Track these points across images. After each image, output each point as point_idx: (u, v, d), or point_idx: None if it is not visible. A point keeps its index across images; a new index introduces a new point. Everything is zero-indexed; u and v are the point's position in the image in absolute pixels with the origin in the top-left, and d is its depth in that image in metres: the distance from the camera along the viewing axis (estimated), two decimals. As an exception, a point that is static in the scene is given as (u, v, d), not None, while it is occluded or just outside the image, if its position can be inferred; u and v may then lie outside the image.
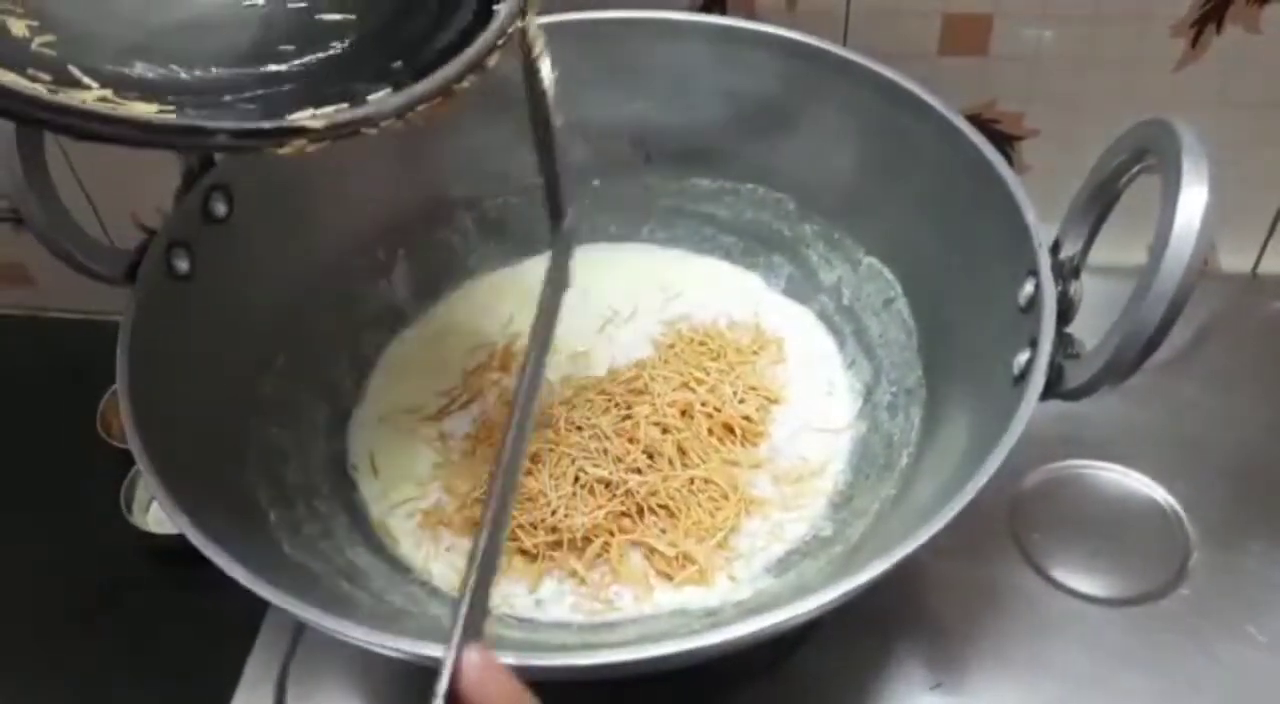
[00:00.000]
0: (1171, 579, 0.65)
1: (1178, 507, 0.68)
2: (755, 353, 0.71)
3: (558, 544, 0.61)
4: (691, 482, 0.63)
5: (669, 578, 0.60)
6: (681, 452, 0.64)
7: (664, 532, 0.62)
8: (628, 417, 0.66)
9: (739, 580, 0.60)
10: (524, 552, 0.62)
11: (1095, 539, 0.67)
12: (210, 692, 0.67)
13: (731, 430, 0.67)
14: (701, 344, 0.71)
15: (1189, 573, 0.66)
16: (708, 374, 0.69)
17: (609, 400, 0.67)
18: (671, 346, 0.71)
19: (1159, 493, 0.69)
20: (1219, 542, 0.67)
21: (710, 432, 0.66)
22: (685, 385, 0.68)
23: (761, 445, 0.67)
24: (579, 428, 0.66)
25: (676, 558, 0.61)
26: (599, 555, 0.61)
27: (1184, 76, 0.72)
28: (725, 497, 0.63)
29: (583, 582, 0.61)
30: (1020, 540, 0.67)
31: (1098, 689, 0.61)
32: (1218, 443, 0.71)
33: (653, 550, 0.61)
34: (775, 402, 0.69)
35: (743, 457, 0.66)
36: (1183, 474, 0.70)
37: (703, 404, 0.67)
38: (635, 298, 0.76)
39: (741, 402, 0.68)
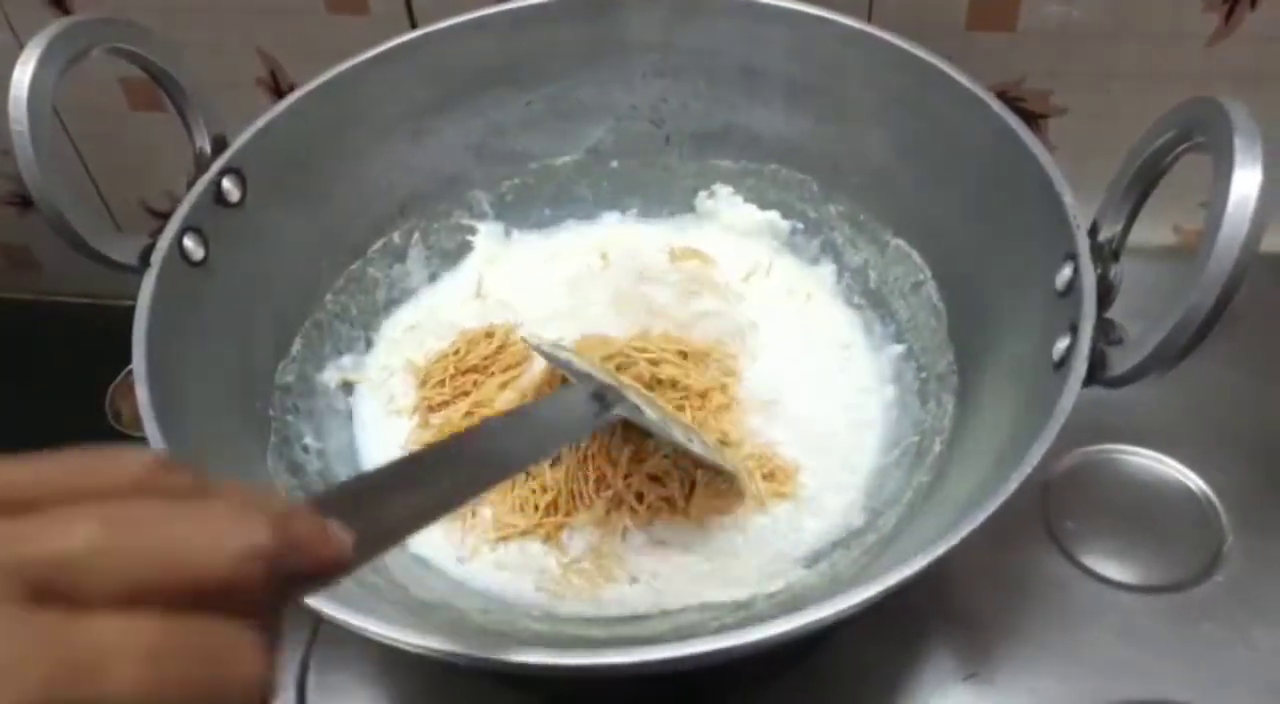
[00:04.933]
0: (1206, 566, 0.64)
1: (1210, 492, 0.67)
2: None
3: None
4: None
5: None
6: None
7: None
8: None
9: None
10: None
11: (1128, 525, 0.66)
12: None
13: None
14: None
15: (1223, 559, 0.64)
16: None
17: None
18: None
19: (1192, 478, 0.68)
20: (1253, 527, 0.65)
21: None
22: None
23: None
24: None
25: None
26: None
27: (1217, 52, 0.71)
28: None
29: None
30: (1052, 527, 0.66)
31: (1133, 677, 0.60)
32: (1251, 427, 0.70)
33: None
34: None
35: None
36: (1216, 459, 0.68)
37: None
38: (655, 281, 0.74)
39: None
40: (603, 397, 0.53)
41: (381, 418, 0.68)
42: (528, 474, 0.63)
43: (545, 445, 0.50)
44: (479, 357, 0.68)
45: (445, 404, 0.67)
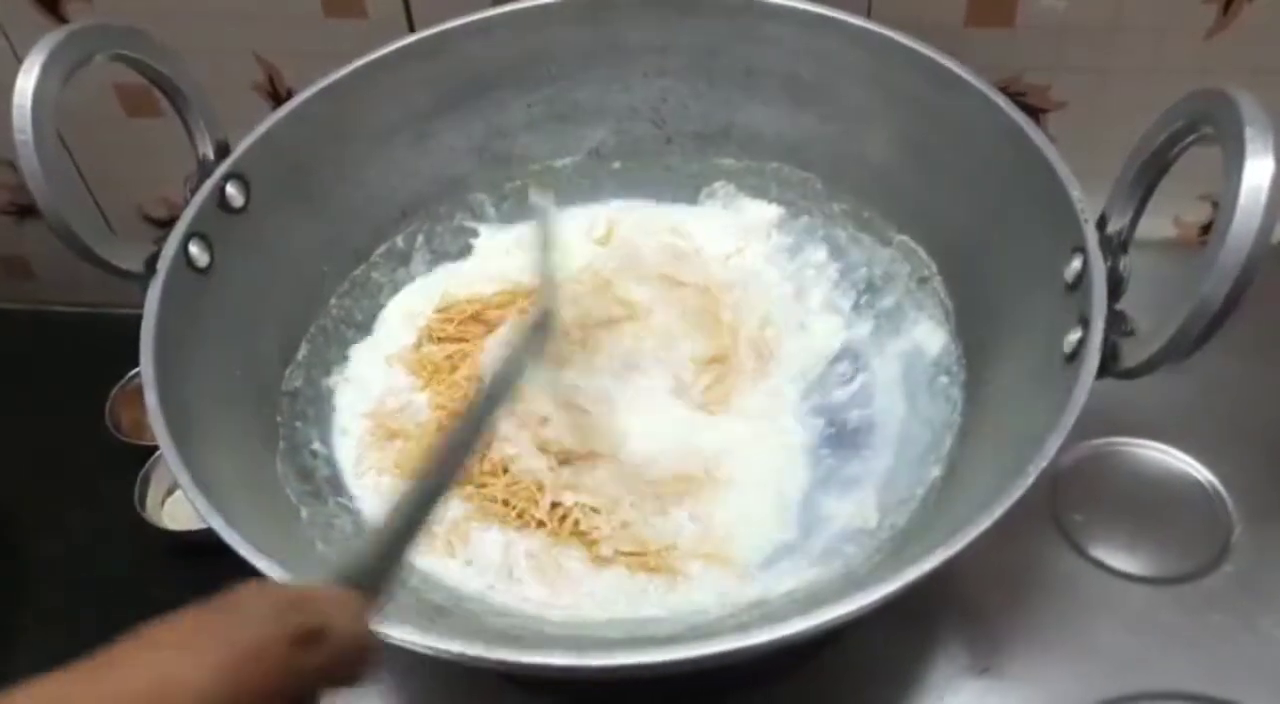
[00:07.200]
0: (1215, 556, 0.65)
1: (1218, 483, 0.67)
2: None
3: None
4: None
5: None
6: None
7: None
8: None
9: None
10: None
11: (1136, 518, 0.67)
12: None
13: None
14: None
15: (1232, 549, 0.65)
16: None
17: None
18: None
19: (1199, 469, 0.68)
20: (1261, 517, 0.66)
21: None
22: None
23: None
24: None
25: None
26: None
27: (1215, 44, 0.71)
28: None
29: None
30: (1060, 520, 0.66)
31: (1143, 669, 0.61)
32: (1258, 418, 0.70)
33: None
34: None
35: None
36: (1223, 450, 0.69)
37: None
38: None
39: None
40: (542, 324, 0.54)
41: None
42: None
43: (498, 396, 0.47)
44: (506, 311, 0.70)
45: (444, 339, 0.69)
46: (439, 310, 0.70)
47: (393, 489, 0.62)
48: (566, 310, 0.66)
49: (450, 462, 0.41)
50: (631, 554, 0.59)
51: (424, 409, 0.66)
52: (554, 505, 0.61)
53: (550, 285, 0.60)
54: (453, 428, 0.43)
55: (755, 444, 0.64)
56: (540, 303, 0.57)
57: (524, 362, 0.51)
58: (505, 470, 0.62)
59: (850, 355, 0.68)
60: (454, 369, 0.67)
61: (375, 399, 0.67)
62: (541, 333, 0.55)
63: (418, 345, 0.69)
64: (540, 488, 0.62)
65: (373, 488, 0.63)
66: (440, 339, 0.69)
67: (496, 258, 0.74)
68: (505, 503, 0.61)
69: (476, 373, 0.67)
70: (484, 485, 0.62)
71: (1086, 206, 0.53)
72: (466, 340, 0.69)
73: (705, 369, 0.66)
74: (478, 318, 0.70)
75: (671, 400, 0.65)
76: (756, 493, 0.62)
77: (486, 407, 0.45)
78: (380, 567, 0.34)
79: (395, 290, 0.72)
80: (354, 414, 0.66)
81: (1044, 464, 0.45)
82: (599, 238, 0.74)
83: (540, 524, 0.61)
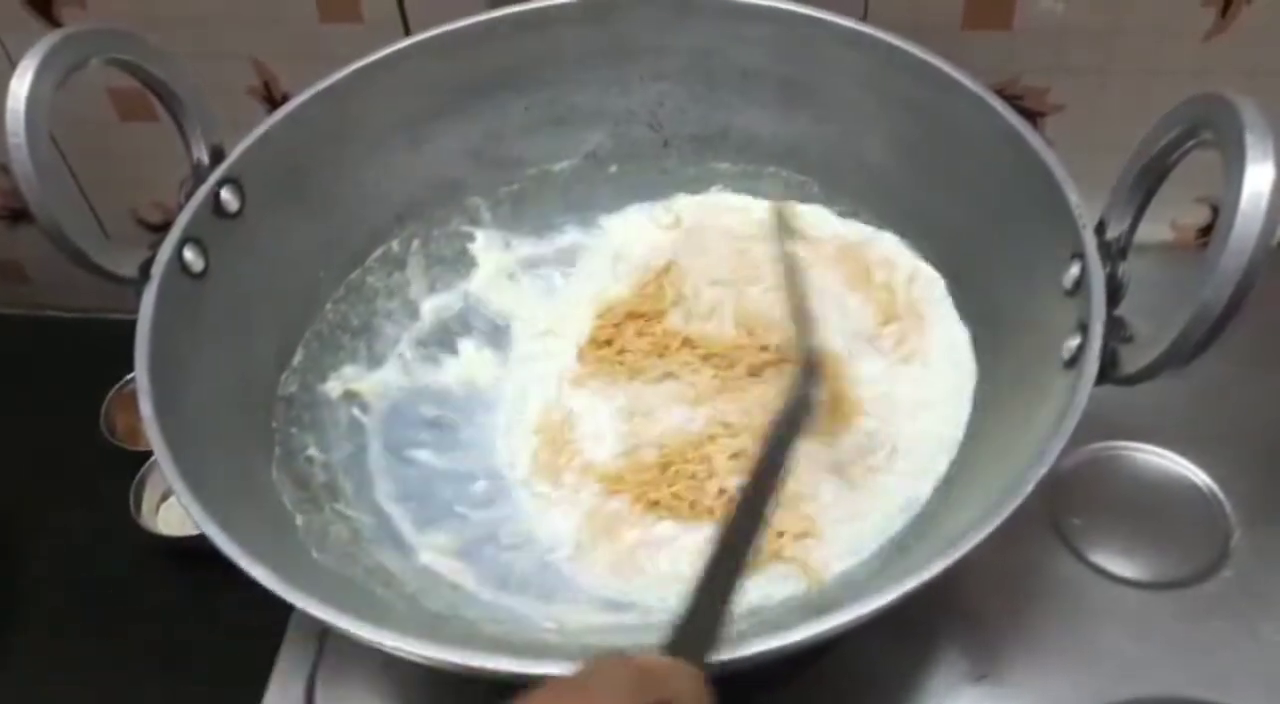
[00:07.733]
0: (1214, 561, 0.64)
1: (1216, 487, 0.67)
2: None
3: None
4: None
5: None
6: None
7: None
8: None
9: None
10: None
11: (1135, 522, 0.66)
12: (230, 693, 0.66)
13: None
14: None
15: (1231, 554, 0.65)
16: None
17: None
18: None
19: (1198, 474, 0.68)
20: (1260, 521, 0.66)
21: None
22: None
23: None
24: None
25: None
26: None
27: (1213, 47, 0.71)
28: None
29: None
30: (1059, 525, 0.66)
31: (1142, 674, 0.60)
32: (1256, 421, 0.70)
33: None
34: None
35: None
36: (1221, 454, 0.68)
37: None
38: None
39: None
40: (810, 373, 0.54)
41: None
42: None
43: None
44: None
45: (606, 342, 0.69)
46: (599, 316, 0.70)
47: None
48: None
49: (749, 519, 0.43)
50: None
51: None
52: (720, 492, 0.61)
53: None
54: (745, 486, 0.45)
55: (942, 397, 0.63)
56: (804, 351, 0.57)
57: (802, 416, 0.52)
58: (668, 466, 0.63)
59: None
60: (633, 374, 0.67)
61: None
62: (813, 382, 0.55)
63: (593, 349, 0.69)
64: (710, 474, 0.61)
65: (569, 499, 0.63)
66: (604, 342, 0.69)
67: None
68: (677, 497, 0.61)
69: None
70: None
71: (1085, 211, 0.53)
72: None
73: (884, 330, 0.66)
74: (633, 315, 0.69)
75: (867, 349, 0.65)
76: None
77: (777, 459, 0.46)
78: (704, 632, 0.38)
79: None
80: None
81: (1043, 472, 0.45)
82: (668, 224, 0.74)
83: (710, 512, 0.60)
